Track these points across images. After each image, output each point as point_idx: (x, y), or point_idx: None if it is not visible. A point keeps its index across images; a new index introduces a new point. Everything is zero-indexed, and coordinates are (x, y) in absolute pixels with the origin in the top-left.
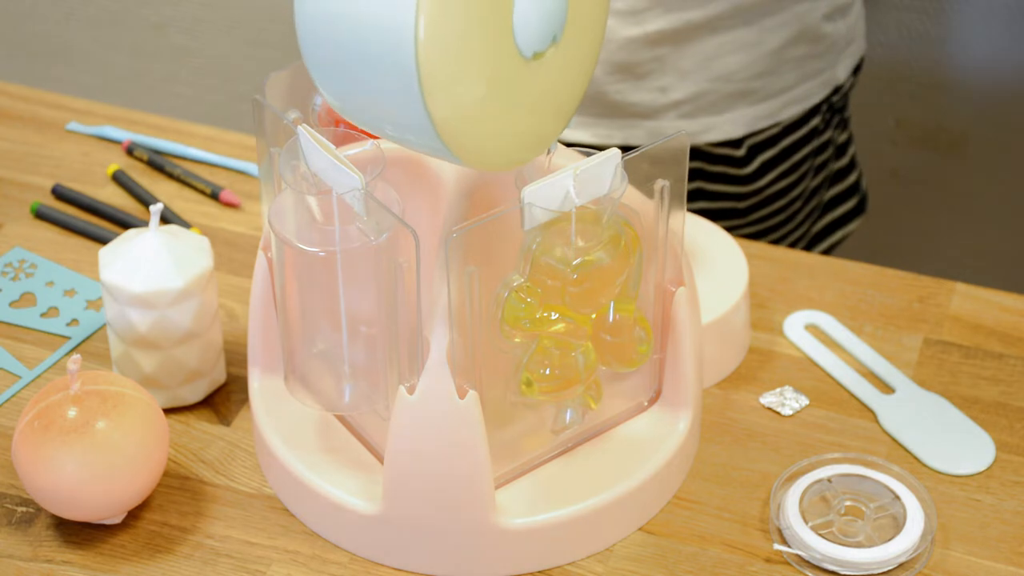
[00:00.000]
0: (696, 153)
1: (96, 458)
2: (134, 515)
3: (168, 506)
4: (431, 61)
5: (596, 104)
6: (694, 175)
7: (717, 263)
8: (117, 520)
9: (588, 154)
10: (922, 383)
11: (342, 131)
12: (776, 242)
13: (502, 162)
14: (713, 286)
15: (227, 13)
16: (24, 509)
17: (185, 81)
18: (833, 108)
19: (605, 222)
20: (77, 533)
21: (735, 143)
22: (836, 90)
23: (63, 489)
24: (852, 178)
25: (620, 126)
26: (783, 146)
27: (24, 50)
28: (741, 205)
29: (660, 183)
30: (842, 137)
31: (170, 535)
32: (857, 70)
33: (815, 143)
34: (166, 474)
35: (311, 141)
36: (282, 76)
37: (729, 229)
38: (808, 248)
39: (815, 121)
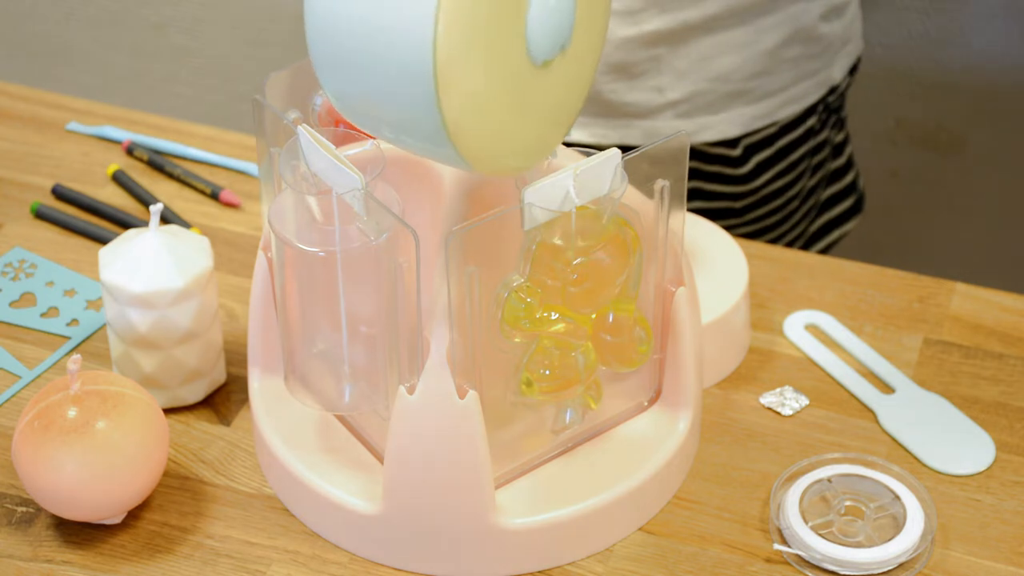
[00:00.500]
0: (692, 153)
1: (96, 458)
2: (134, 515)
3: (168, 506)
4: (448, 60)
5: (592, 104)
6: (690, 175)
7: (717, 263)
8: (117, 520)
9: (588, 154)
10: (922, 383)
11: (342, 131)
12: (773, 241)
13: (505, 167)
14: (713, 286)
15: (227, 13)
16: (24, 509)
17: (185, 81)
18: (829, 108)
19: (605, 222)
20: (77, 533)
21: (731, 143)
22: (832, 90)
23: (63, 489)
24: (849, 178)
25: (616, 126)
26: (779, 146)
27: (24, 50)
28: (737, 205)
29: (660, 183)
30: (838, 137)
31: (170, 535)
32: (854, 70)
33: (811, 143)
34: (166, 474)
35: (311, 141)
36: (282, 76)
37: (725, 229)
38: (805, 248)
39: (811, 121)
